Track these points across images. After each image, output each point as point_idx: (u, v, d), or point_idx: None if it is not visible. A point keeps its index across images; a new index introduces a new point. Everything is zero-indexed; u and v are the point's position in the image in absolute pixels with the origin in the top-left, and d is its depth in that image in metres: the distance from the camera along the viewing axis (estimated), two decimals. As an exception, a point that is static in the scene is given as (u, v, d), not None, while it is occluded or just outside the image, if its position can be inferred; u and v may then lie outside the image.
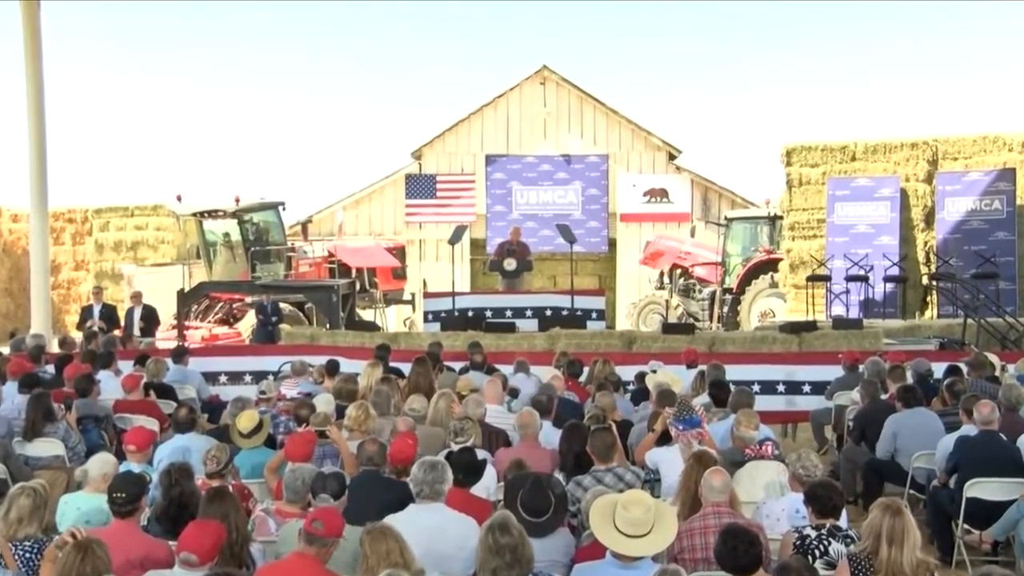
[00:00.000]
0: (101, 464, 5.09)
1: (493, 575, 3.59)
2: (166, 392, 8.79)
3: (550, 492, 4.32)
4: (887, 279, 15.97)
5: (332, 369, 9.18)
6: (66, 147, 47.98)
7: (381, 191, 25.34)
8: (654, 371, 8.89)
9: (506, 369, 9.20)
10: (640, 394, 8.62)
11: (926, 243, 17.20)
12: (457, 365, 9.76)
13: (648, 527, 3.95)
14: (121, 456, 5.96)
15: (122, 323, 13.70)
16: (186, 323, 15.53)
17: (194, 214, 17.27)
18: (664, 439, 5.98)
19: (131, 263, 21.64)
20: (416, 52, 48.31)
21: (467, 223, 20.98)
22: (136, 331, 13.56)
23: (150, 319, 13.92)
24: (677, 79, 45.59)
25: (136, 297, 14.13)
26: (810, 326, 12.29)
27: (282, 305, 15.42)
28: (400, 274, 20.05)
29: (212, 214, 17.07)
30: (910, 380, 8.27)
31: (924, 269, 17.15)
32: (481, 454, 5.48)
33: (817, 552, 4.28)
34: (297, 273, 17.55)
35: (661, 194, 24.53)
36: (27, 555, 4.17)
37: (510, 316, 13.43)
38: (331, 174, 49.78)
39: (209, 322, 16.54)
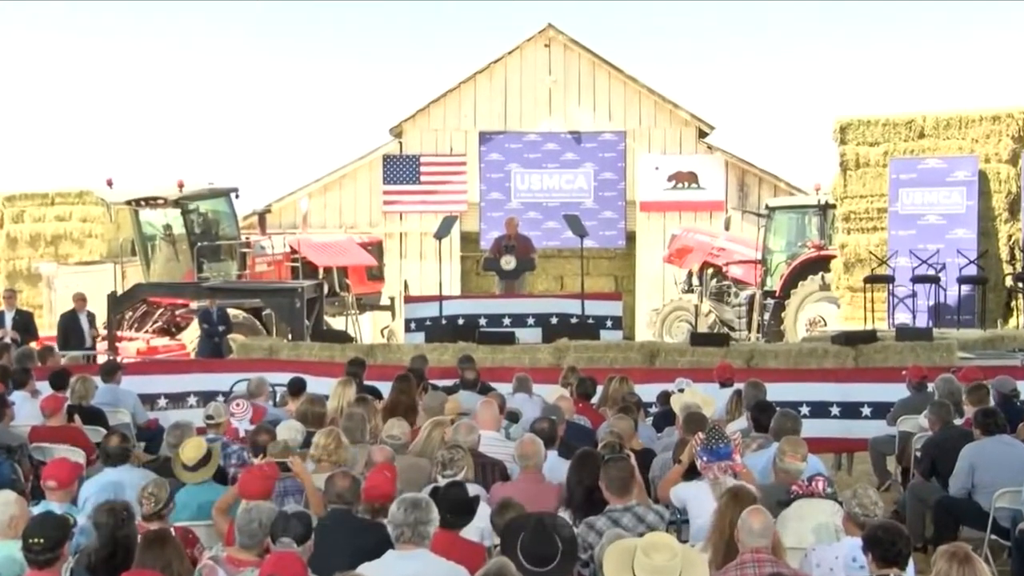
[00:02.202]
0: (3, 505, 5.04)
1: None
2: (94, 417, 8.77)
3: (556, 536, 4.31)
4: (962, 280, 15.97)
5: (296, 388, 9.19)
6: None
7: (354, 175, 25.36)
8: (681, 390, 8.91)
9: (504, 388, 9.22)
10: (664, 418, 8.65)
11: (1010, 236, 17.20)
12: (445, 383, 9.77)
13: (674, 577, 3.94)
14: (39, 494, 5.94)
15: (52, 332, 13.68)
16: (119, 333, 15.51)
17: (128, 202, 17.24)
18: (693, 472, 5.98)
19: (51, 261, 21.59)
20: (396, 9, 48.40)
21: (457, 213, 21.00)
22: (89, 340, 13.54)
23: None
24: (708, 41, 45.66)
25: (81, 300, 14.13)
26: (869, 337, 12.30)
27: (235, 312, 15.42)
28: (376, 274, 20.05)
29: (150, 202, 17.05)
30: (991, 402, 8.26)
31: (1008, 268, 17.15)
32: (473, 489, 5.47)
33: (878, 608, 4.27)
34: (253, 273, 17.53)
35: (689, 178, 24.56)
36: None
37: (508, 325, 13.46)
38: (294, 155, 49.87)
39: (146, 332, 16.52)
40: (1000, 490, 6.82)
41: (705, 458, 5.77)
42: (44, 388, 9.46)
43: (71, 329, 13.71)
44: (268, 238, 18.53)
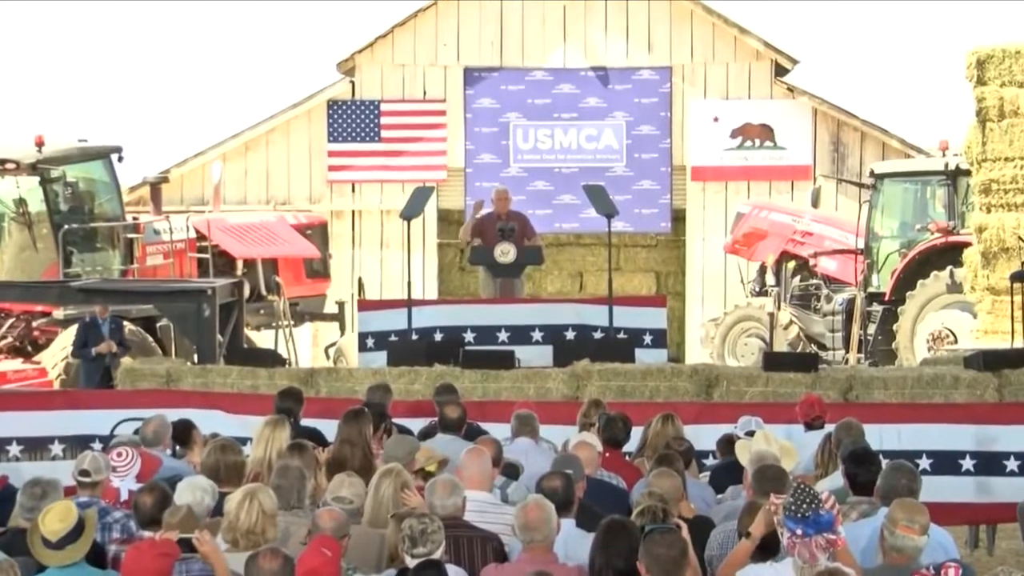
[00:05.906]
0: None
1: None
2: (-83, 472, 8.78)
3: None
4: None
5: (183, 434, 9.18)
6: None
7: (286, 129, 25.34)
8: (750, 434, 8.90)
9: (500, 431, 9.22)
10: (727, 473, 8.66)
11: None
12: (417, 424, 9.79)
13: None
14: None
15: None
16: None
17: (-35, 167, 17.24)
18: (768, 549, 5.98)
19: None
20: None
21: (433, 183, 21.01)
22: None
23: None
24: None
25: None
26: (1017, 358, 12.31)
27: (125, 324, 15.39)
28: (319, 270, 20.07)
29: (-4, 167, 17.06)
30: None
31: None
32: (455, 573, 5.47)
33: None
34: (143, 268, 17.58)
35: (762, 134, 24.56)
36: None
37: (506, 341, 13.47)
38: (201, 102, 49.87)
39: (-8, 351, 16.54)
40: None
41: (798, 530, 5.71)
42: None
43: None
44: (165, 218, 18.53)
